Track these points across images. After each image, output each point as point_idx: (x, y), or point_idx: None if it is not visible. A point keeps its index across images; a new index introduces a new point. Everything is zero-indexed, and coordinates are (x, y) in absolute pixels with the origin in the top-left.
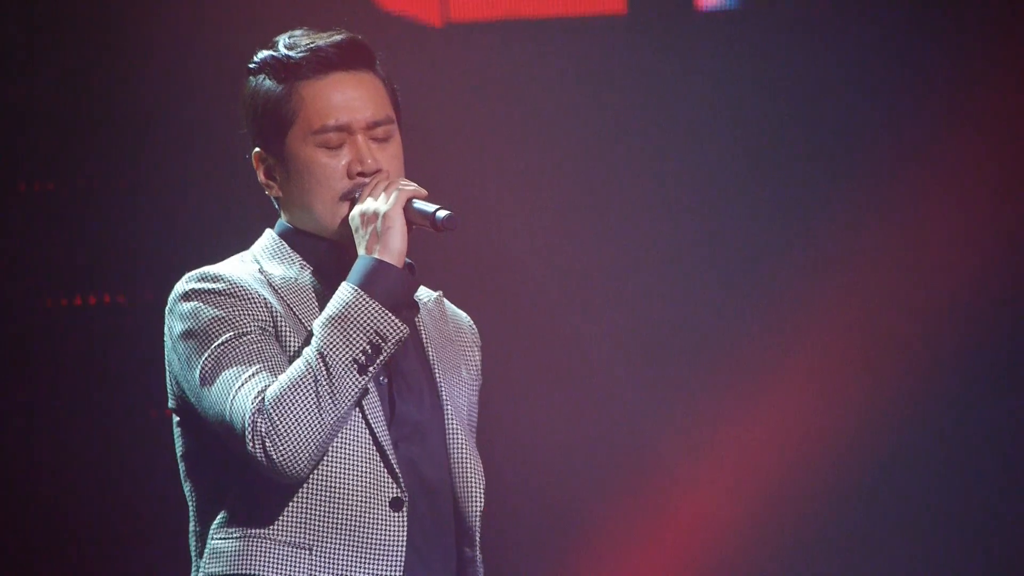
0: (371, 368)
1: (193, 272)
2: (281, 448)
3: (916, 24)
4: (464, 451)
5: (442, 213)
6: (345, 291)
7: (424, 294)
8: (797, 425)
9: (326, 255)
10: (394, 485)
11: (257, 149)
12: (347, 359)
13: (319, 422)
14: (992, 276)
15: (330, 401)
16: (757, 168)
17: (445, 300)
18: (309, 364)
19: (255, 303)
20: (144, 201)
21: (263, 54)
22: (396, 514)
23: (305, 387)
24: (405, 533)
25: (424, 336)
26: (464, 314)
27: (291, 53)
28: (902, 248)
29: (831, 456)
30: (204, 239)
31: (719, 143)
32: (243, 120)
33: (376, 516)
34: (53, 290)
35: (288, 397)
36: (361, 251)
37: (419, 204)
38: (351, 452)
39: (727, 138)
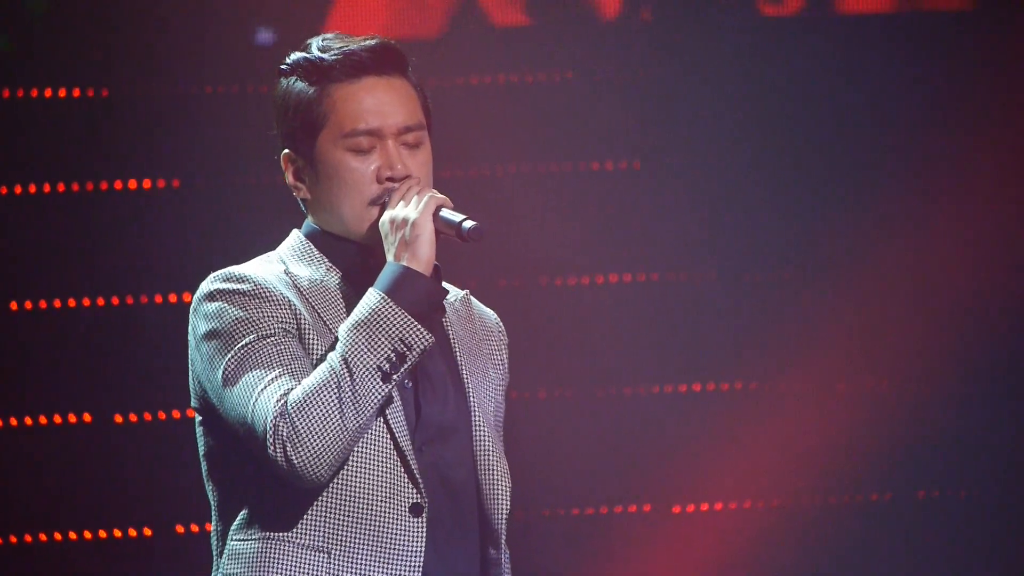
0: (395, 376)
1: (218, 272)
2: (302, 453)
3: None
4: (491, 453)
5: (468, 224)
6: (372, 297)
7: (451, 293)
8: (816, 423)
9: (353, 258)
10: (414, 490)
11: (286, 150)
12: (371, 366)
13: (341, 428)
14: (996, 276)
15: (352, 407)
16: (765, 169)
17: (472, 298)
18: (333, 369)
19: (280, 305)
20: (168, 201)
21: (295, 56)
22: (415, 520)
23: (328, 392)
24: (424, 539)
25: (452, 336)
26: (491, 312)
27: (324, 56)
28: (909, 248)
29: (846, 454)
30: (230, 238)
31: (730, 143)
32: (273, 121)
33: (395, 521)
34: (73, 292)
35: (310, 402)
36: (390, 257)
37: (446, 213)
38: (371, 457)
39: (735, 139)
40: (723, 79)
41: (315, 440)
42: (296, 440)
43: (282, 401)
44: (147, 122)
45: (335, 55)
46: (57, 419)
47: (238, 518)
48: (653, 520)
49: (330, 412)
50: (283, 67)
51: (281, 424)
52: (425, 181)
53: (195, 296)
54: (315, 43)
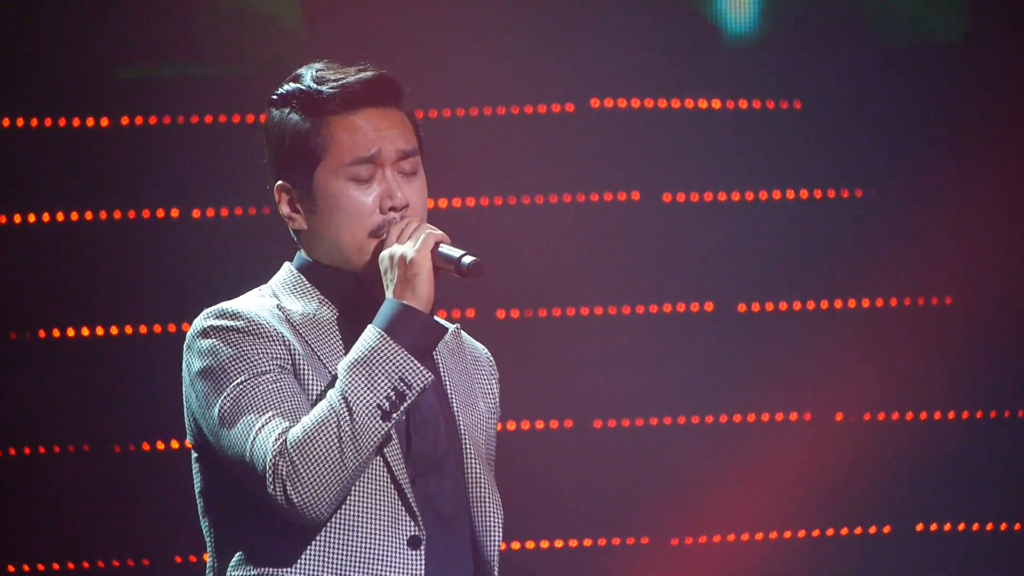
0: (395, 414)
1: (211, 308)
2: (302, 492)
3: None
4: (483, 485)
5: (468, 259)
6: (371, 335)
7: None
8: (814, 455)
9: (347, 291)
10: (412, 523)
11: (280, 181)
12: (371, 404)
13: (341, 467)
14: (1000, 305)
15: (352, 446)
16: (765, 199)
17: (463, 332)
18: (332, 408)
19: (274, 341)
20: (168, 232)
21: (288, 87)
22: (414, 552)
23: (328, 431)
24: (423, 571)
25: (442, 370)
26: (482, 346)
27: (321, 88)
28: (907, 278)
29: (853, 490)
30: (224, 268)
31: (729, 173)
32: (265, 152)
33: (393, 554)
34: (70, 320)
35: (310, 441)
36: (389, 294)
37: (445, 249)
38: (369, 490)
39: (734, 169)
40: (723, 111)
41: (315, 479)
42: (296, 479)
43: (281, 439)
44: (144, 152)
45: (333, 87)
46: (56, 449)
47: (236, 555)
48: (650, 553)
49: (330, 451)
50: (274, 98)
51: (280, 463)
52: (422, 211)
53: (188, 333)
54: (308, 74)
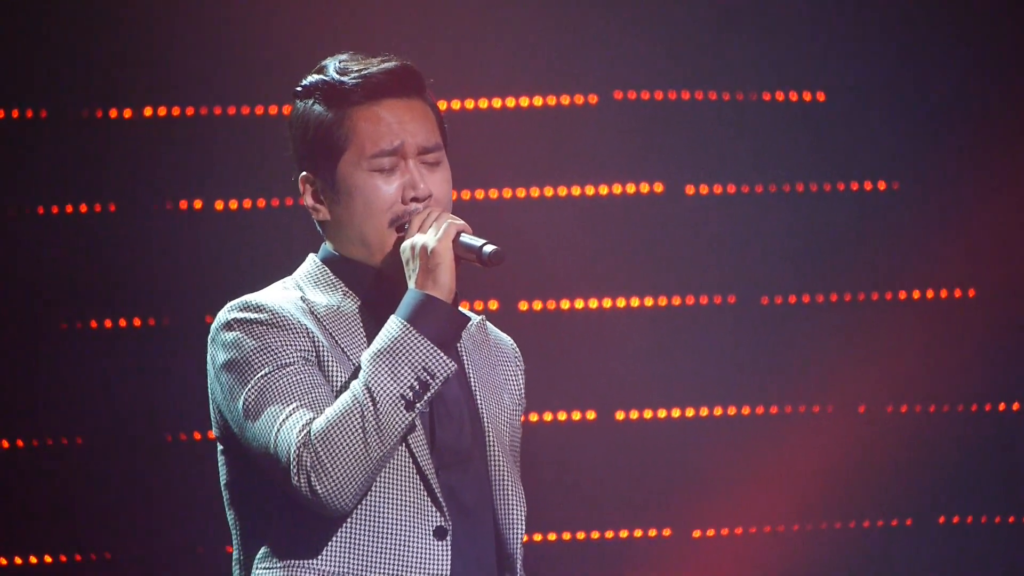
0: (418, 404)
1: (235, 301)
2: (326, 483)
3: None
4: (506, 478)
5: (489, 248)
6: (394, 325)
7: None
8: (838, 447)
9: (370, 283)
10: (437, 514)
11: (304, 173)
12: (395, 395)
13: (365, 457)
14: (1018, 295)
15: (376, 437)
16: (786, 192)
17: (488, 324)
18: (356, 399)
19: (298, 333)
20: (193, 225)
21: (312, 79)
22: (440, 543)
23: (352, 422)
24: (449, 562)
25: (466, 362)
26: (507, 337)
27: (344, 79)
28: (929, 269)
29: (874, 482)
30: (247, 261)
31: (751, 166)
32: (290, 143)
33: (420, 545)
34: (101, 312)
35: (334, 432)
36: (411, 284)
37: (466, 238)
38: (395, 481)
39: (757, 161)
40: (746, 103)
41: (339, 469)
42: (320, 470)
43: (305, 431)
44: (164, 144)
45: (355, 78)
46: (79, 440)
47: (262, 548)
48: (673, 545)
49: (354, 441)
50: (298, 90)
51: (305, 454)
52: (445, 202)
53: (213, 326)
54: (332, 65)
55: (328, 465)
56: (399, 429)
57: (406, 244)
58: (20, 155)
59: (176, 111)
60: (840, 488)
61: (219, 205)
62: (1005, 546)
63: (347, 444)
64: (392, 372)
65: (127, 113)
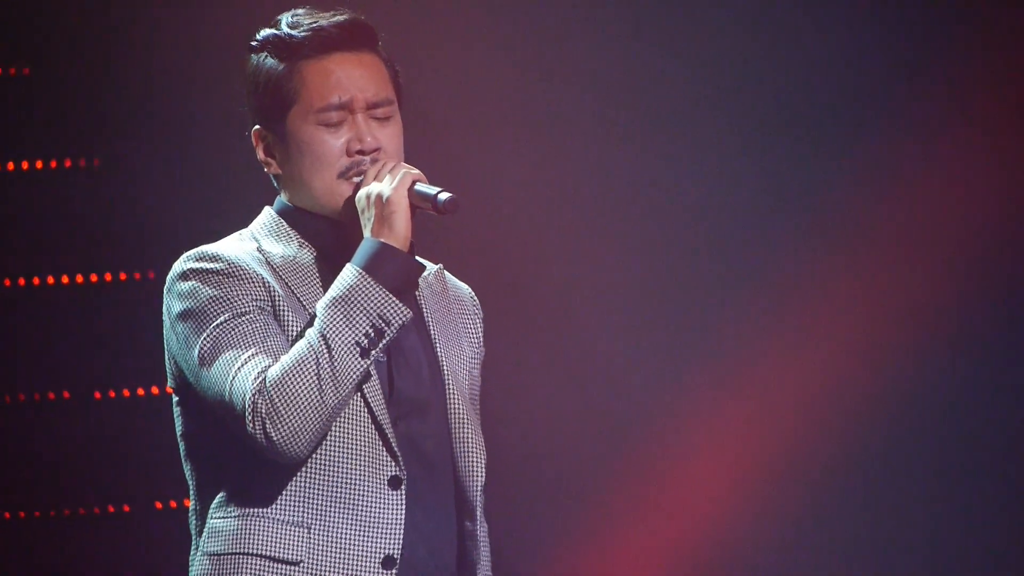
0: (373, 351)
1: (191, 251)
2: (281, 429)
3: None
4: (466, 426)
5: (443, 195)
6: (349, 273)
7: (425, 268)
8: (801, 419)
9: (325, 233)
10: (392, 463)
11: (257, 127)
12: (350, 341)
13: (320, 404)
14: (996, 272)
15: (331, 383)
16: (759, 161)
17: (446, 272)
18: (311, 346)
19: (253, 282)
20: (144, 179)
21: (265, 32)
22: (394, 492)
23: (307, 369)
24: (404, 511)
25: (425, 311)
26: (465, 286)
27: (294, 32)
28: (907, 243)
29: (835, 450)
30: (205, 217)
31: (722, 136)
32: (244, 97)
33: (374, 494)
34: (49, 268)
35: (289, 378)
36: (367, 233)
37: (421, 187)
38: (349, 430)
39: (730, 131)
40: (718, 76)
41: (294, 416)
42: (275, 417)
43: (260, 378)
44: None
45: (305, 31)
46: (36, 396)
47: (217, 497)
48: (636, 498)
49: (309, 388)
50: (253, 44)
51: (260, 401)
52: (396, 155)
53: (168, 276)
54: (284, 19)
55: (283, 412)
56: (354, 376)
57: (361, 193)
58: None
59: (115, 63)
60: (808, 466)
61: (161, 160)
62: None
63: (302, 391)
64: (347, 319)
65: (63, 67)
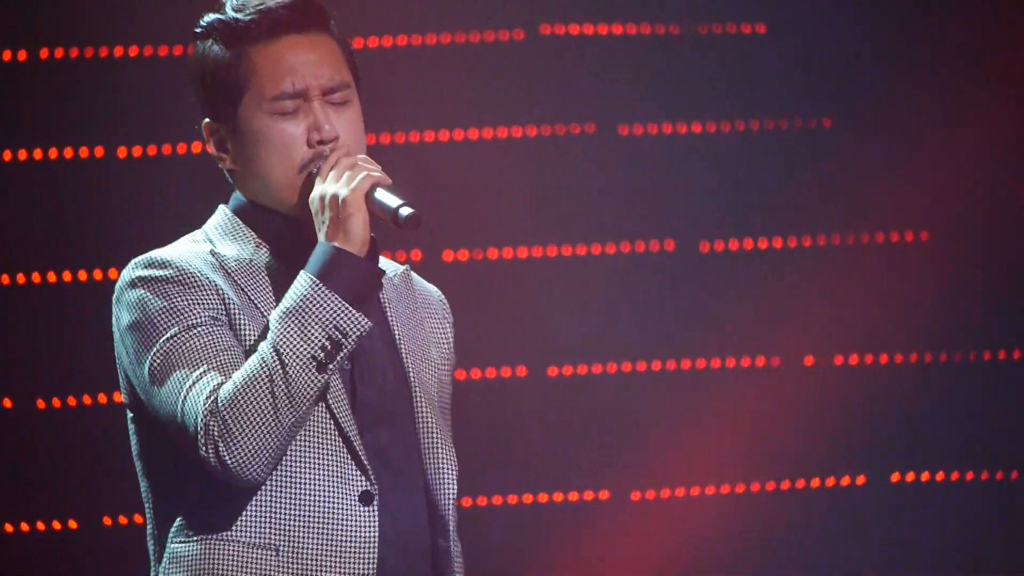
0: (331, 365)
1: (140, 257)
2: (235, 452)
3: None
4: (436, 437)
5: (405, 211)
6: (303, 282)
7: (390, 268)
8: (801, 418)
9: (284, 231)
10: (362, 477)
11: (207, 120)
12: (305, 356)
13: (275, 424)
14: (994, 269)
15: (287, 401)
16: (731, 134)
17: (413, 274)
18: (264, 361)
19: (205, 290)
20: (104, 176)
21: (209, 17)
22: (366, 508)
23: (260, 387)
24: (377, 528)
25: (389, 314)
26: (434, 288)
27: (239, 15)
28: (878, 221)
29: (822, 440)
30: (164, 214)
31: (692, 107)
32: (191, 88)
33: (345, 512)
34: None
35: (242, 398)
36: (321, 237)
37: (382, 196)
38: (315, 444)
39: (698, 102)
40: (684, 41)
41: (248, 438)
42: (228, 439)
43: (212, 397)
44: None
45: (251, 14)
46: None
47: (177, 519)
48: (611, 509)
49: (263, 408)
50: (197, 30)
51: (212, 423)
52: (354, 142)
53: (117, 284)
54: (229, 2)
55: (237, 434)
56: (311, 393)
57: (315, 194)
58: None
59: (74, 52)
60: (787, 446)
61: (122, 152)
62: (960, 502)
63: (256, 411)
64: (301, 332)
65: (21, 56)
